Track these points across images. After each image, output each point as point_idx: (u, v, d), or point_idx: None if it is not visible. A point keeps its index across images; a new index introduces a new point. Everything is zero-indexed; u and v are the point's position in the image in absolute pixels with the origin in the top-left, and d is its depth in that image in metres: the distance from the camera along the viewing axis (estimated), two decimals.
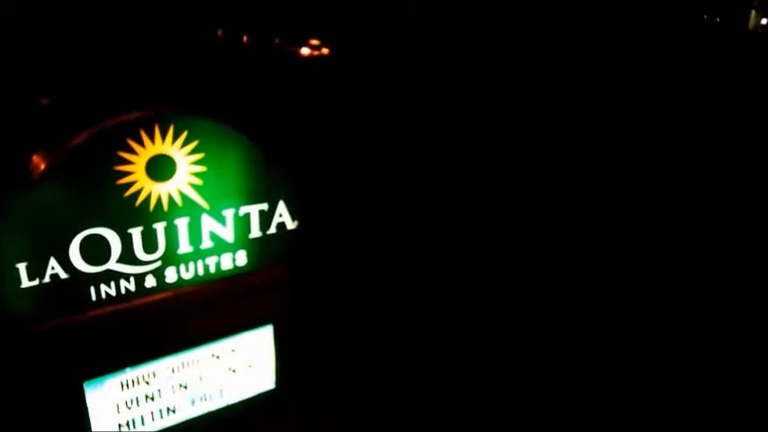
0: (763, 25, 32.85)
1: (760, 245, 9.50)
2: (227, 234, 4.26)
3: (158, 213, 3.93)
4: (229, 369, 4.52)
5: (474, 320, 7.32)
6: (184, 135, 3.86)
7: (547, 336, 7.54)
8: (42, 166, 3.53)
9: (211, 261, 4.26)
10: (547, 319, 7.85)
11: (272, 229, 4.44)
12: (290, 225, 4.51)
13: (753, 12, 34.32)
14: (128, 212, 3.82)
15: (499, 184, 11.81)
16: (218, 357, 4.44)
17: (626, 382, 6.89)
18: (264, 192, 4.33)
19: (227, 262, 4.33)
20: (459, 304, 7.52)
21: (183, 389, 4.34)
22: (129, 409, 4.15)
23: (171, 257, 4.07)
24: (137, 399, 4.17)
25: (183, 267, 4.14)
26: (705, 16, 35.84)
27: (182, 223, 4.05)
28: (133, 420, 4.19)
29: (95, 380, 4.00)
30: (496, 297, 7.90)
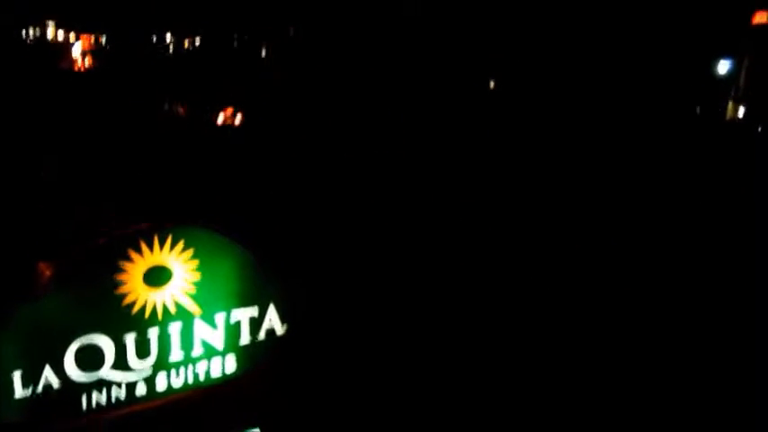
0: (740, 117, 34.17)
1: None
2: (218, 340, 4.36)
3: (152, 321, 4.06)
4: None
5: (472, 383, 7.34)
6: (181, 245, 4.04)
7: (547, 336, 7.60)
8: (45, 279, 3.68)
9: (201, 368, 4.34)
10: (547, 319, 7.93)
11: (262, 335, 4.55)
12: (279, 331, 4.63)
13: (730, 102, 35.80)
14: (123, 320, 3.95)
15: (499, 185, 11.97)
16: None
17: (625, 382, 6.94)
18: (255, 297, 4.48)
19: (216, 368, 4.40)
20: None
21: None
22: None
23: (162, 364, 4.16)
24: None
25: (173, 374, 4.22)
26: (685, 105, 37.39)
27: (174, 330, 4.16)
28: None
29: None
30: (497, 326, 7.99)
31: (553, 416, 6.54)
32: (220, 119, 26.71)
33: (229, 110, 27.16)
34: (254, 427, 4.68)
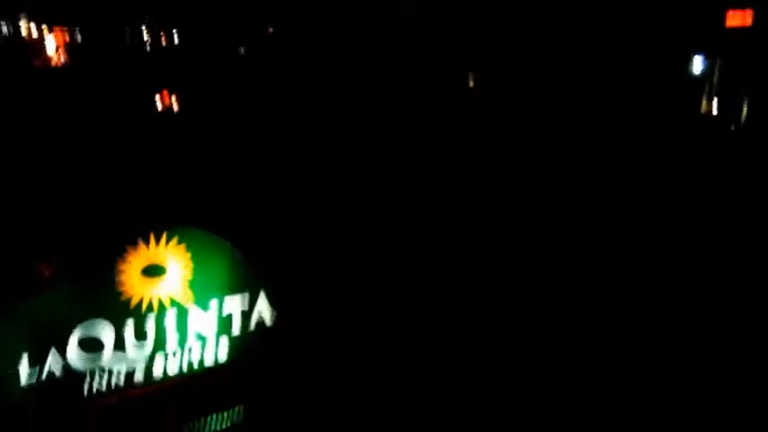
0: (714, 114, 35.01)
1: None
2: (211, 330, 4.64)
3: (149, 312, 4.33)
4: None
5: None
6: (175, 242, 4.32)
7: (547, 337, 7.64)
8: (48, 276, 3.94)
9: (195, 356, 4.62)
10: (547, 319, 7.93)
11: (252, 326, 4.84)
12: (268, 321, 4.93)
13: (704, 100, 36.62)
14: (122, 312, 4.22)
15: (499, 185, 12.01)
16: None
17: (626, 382, 7.00)
18: (245, 289, 4.76)
19: (208, 356, 4.69)
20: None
21: None
22: None
23: (158, 353, 4.44)
24: None
25: (168, 362, 4.50)
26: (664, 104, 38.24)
27: (170, 320, 4.44)
28: None
29: None
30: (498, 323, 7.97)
31: (553, 416, 6.62)
32: (158, 102, 26.95)
33: (165, 93, 27.28)
34: (244, 404, 4.96)
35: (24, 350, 3.92)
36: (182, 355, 4.54)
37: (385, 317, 8.31)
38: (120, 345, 4.25)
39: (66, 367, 4.08)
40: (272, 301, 4.90)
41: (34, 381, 3.99)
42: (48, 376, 4.04)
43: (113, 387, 4.30)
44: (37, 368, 3.99)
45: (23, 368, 3.93)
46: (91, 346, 4.15)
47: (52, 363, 4.02)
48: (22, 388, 3.96)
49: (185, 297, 4.45)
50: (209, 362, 4.69)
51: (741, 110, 31.41)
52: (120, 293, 4.16)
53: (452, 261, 9.81)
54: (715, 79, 36.99)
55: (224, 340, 4.71)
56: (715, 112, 35.24)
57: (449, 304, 8.69)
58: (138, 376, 4.39)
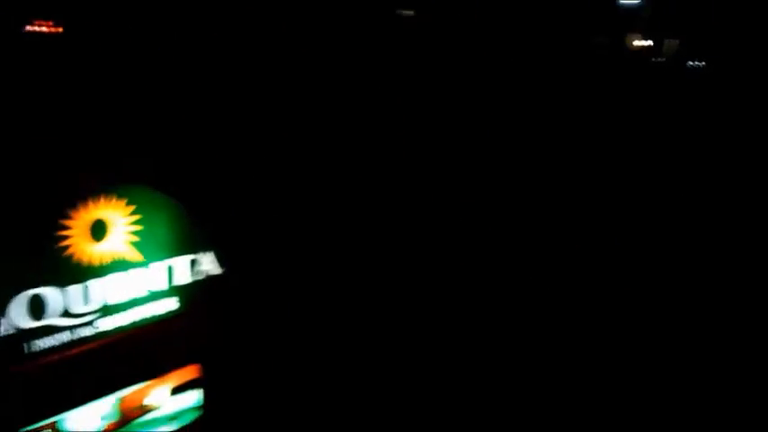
0: (644, 46, 35.75)
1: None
2: (159, 284, 4.68)
3: (96, 270, 4.31)
4: (160, 401, 4.93)
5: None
6: (123, 201, 4.29)
7: (547, 336, 7.80)
8: None
9: (144, 308, 4.66)
10: (547, 319, 8.10)
11: (199, 277, 4.90)
12: (214, 272, 5.00)
13: (632, 35, 37.28)
14: (67, 271, 4.18)
15: (498, 184, 12.02)
16: (148, 395, 4.85)
17: (626, 382, 7.17)
18: (191, 246, 4.80)
19: (158, 307, 4.74)
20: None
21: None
22: None
23: (106, 309, 4.45)
24: None
25: (118, 316, 4.52)
26: (591, 37, 38.80)
27: (118, 277, 4.43)
28: None
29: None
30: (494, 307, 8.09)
31: (553, 416, 6.71)
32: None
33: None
34: (195, 360, 5.09)
35: None
36: (131, 307, 4.57)
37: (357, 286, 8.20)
38: (66, 303, 4.23)
39: (11, 327, 4.05)
40: (218, 260, 4.96)
41: None
42: None
43: (62, 344, 4.30)
44: None
45: None
46: (36, 305, 4.11)
47: None
48: None
49: (132, 255, 4.44)
50: (158, 311, 4.74)
51: (672, 46, 31.77)
52: (65, 251, 4.11)
53: (450, 256, 9.67)
54: (647, 11, 37.10)
55: (172, 291, 4.76)
56: (645, 47, 35.52)
57: (443, 295, 8.58)
58: (87, 332, 4.40)
